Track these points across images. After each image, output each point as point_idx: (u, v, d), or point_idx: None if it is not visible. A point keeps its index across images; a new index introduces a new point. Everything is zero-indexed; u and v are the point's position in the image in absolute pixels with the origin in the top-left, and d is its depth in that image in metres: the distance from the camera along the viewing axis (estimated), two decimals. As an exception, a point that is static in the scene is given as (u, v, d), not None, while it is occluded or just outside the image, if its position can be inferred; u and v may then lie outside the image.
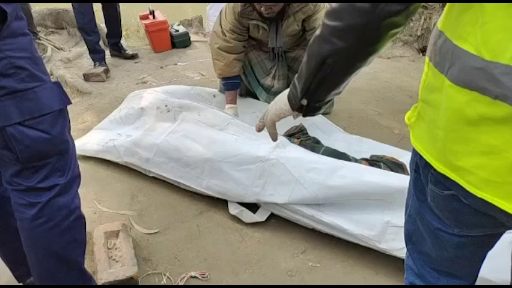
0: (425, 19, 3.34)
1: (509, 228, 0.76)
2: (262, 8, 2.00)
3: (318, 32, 0.80)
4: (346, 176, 1.67)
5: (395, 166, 1.87)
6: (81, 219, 1.22)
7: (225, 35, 2.18)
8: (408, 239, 0.94)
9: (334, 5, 0.75)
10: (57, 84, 1.10)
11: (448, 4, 0.69)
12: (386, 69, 3.16)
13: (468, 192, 0.68)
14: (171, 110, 2.17)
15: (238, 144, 1.86)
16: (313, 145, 2.05)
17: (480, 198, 0.66)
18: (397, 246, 1.58)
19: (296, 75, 0.89)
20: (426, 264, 0.91)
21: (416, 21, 3.35)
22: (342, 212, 1.67)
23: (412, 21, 3.36)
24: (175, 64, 3.43)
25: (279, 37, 2.16)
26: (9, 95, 0.99)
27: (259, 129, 1.08)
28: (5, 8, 0.94)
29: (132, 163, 2.07)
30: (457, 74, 0.64)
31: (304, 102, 0.89)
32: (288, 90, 0.94)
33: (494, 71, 0.58)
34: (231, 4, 2.16)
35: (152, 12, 3.62)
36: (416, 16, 3.38)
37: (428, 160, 0.75)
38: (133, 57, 3.62)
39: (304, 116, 0.93)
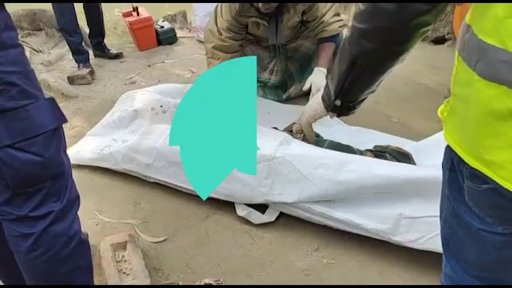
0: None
1: None
2: (259, 4, 1.94)
3: (348, 33, 0.80)
4: (355, 170, 1.64)
5: (401, 156, 1.85)
6: (83, 244, 1.13)
7: (221, 34, 2.10)
8: (446, 245, 0.90)
9: (361, 6, 0.74)
10: (51, 100, 1.01)
11: None
12: (378, 56, 3.14)
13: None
14: (167, 110, 2.10)
15: (241, 143, 1.81)
16: (315, 139, 2.02)
17: None
18: (411, 237, 1.57)
19: (328, 77, 0.90)
20: (467, 272, 0.87)
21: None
22: (353, 207, 1.65)
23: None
24: (163, 62, 3.34)
25: (279, 33, 2.10)
26: None
27: (297, 131, 1.13)
28: None
29: (131, 170, 2.00)
30: (485, 68, 0.63)
31: (338, 102, 0.90)
32: (321, 91, 0.93)
33: None
34: None
35: (136, 9, 3.51)
36: None
37: (460, 155, 0.73)
38: (117, 56, 3.51)
39: (338, 116, 0.96)
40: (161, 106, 2.11)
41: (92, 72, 3.18)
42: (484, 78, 0.64)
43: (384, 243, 1.62)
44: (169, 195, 1.93)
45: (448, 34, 3.30)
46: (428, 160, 1.87)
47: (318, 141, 1.97)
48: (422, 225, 1.57)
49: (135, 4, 3.57)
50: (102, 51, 3.51)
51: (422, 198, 1.60)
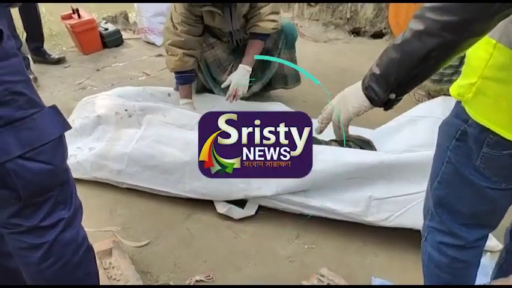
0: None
1: None
2: None
3: (420, 27, 0.78)
4: (326, 160, 1.76)
5: (363, 143, 2.00)
6: (90, 251, 1.14)
7: (176, 29, 2.11)
8: (438, 203, 1.05)
9: None
10: (55, 108, 1.00)
11: None
12: (325, 52, 3.32)
13: None
14: (133, 114, 2.08)
15: (215, 142, 1.85)
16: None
17: None
18: (382, 217, 1.72)
19: (378, 72, 0.88)
20: (457, 222, 1.03)
21: (345, 4, 3.53)
22: (327, 194, 1.77)
23: (341, 4, 3.54)
24: (112, 65, 3.24)
25: (234, 19, 2.13)
26: (6, 125, 0.88)
27: (321, 131, 1.09)
28: (0, 27, 0.84)
29: (102, 177, 1.96)
30: None
31: (393, 96, 0.88)
32: (355, 86, 0.94)
33: None
34: None
35: (76, 11, 3.36)
36: None
37: (490, 127, 0.86)
38: (60, 61, 3.34)
39: (386, 109, 0.93)
40: (126, 110, 2.09)
41: (35, 79, 3.01)
42: None
43: (358, 225, 1.76)
44: (145, 199, 1.92)
45: (384, 29, 3.57)
46: (386, 145, 2.05)
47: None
48: (389, 205, 1.73)
49: (74, 5, 3.41)
50: (42, 56, 3.32)
51: (386, 180, 1.77)
